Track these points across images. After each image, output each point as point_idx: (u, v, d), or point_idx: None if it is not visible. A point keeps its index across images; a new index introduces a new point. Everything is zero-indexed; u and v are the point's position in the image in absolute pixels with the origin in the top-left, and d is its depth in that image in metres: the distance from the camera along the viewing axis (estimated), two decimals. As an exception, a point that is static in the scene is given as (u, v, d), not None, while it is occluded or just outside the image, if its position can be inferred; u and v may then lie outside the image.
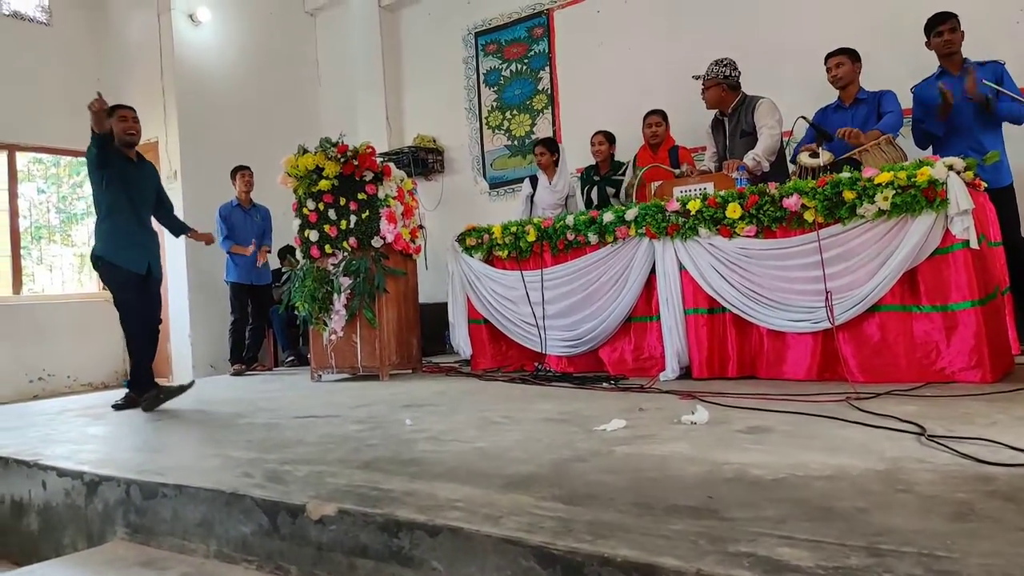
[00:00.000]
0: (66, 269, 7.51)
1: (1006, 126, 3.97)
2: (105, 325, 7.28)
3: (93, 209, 4.17)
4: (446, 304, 5.05)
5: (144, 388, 4.02)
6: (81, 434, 3.24)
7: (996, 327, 3.23)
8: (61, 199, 7.61)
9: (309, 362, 5.11)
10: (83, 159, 7.34)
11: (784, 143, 4.50)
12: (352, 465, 2.15)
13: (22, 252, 6.94)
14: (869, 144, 3.71)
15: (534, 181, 5.66)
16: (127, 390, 4.14)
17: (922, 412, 2.48)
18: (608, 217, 4.07)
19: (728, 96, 4.47)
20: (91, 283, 7.53)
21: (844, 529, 1.34)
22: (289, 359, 6.68)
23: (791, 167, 4.29)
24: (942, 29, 3.99)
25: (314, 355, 4.98)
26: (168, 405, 3.95)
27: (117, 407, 4.01)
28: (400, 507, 1.65)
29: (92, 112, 3.75)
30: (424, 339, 5.28)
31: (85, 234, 7.62)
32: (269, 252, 6.35)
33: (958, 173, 3.11)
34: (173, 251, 6.61)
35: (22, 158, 7.03)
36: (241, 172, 6.29)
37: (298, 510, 1.75)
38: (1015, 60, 4.05)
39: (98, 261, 4.03)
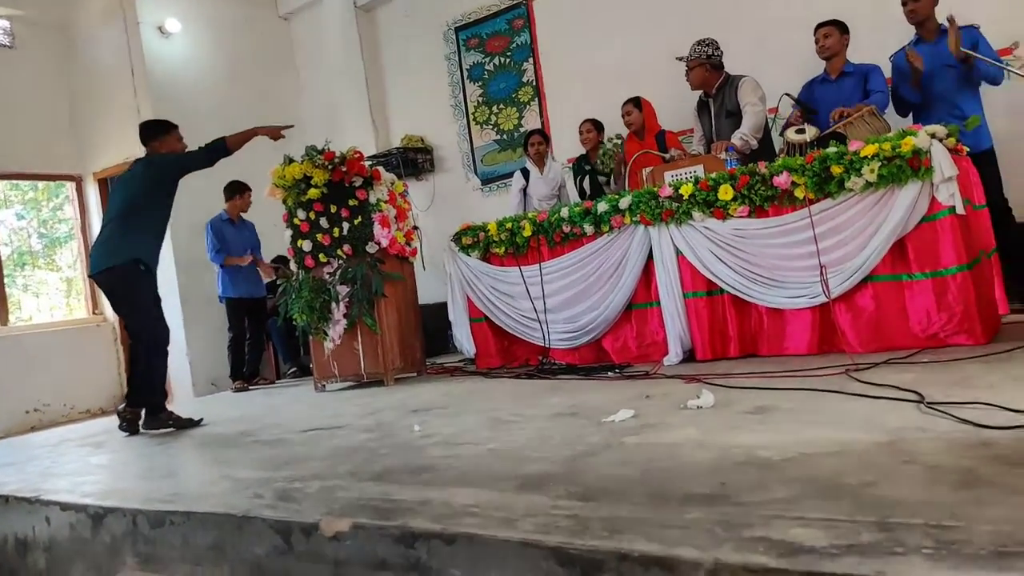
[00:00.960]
0: (53, 294, 7.36)
1: (984, 89, 3.98)
2: (98, 350, 7.13)
3: (127, 214, 3.96)
4: (446, 303, 5.03)
5: (158, 407, 3.99)
6: (83, 465, 3.22)
7: (984, 289, 3.27)
8: (42, 223, 7.47)
9: (312, 372, 5.09)
10: (61, 183, 7.33)
11: (770, 121, 4.51)
12: (363, 477, 2.15)
13: (6, 280, 6.74)
14: (854, 116, 3.72)
15: (525, 174, 5.61)
16: (129, 407, 3.98)
17: (920, 379, 2.50)
18: (603, 207, 4.08)
19: (712, 76, 4.48)
20: (80, 308, 7.40)
21: (854, 505, 1.36)
22: (291, 371, 6.66)
23: (778, 144, 4.30)
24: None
25: (316, 365, 4.97)
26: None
27: (125, 429, 3.92)
28: (415, 517, 1.65)
29: (268, 134, 4.12)
30: (426, 339, 5.28)
31: (70, 257, 7.50)
32: (263, 263, 6.31)
33: (941, 140, 3.13)
34: (163, 267, 6.52)
35: (-2, 185, 6.90)
36: (244, 191, 6.16)
37: (312, 528, 1.74)
38: (990, 24, 4.03)
39: (142, 267, 3.94)
